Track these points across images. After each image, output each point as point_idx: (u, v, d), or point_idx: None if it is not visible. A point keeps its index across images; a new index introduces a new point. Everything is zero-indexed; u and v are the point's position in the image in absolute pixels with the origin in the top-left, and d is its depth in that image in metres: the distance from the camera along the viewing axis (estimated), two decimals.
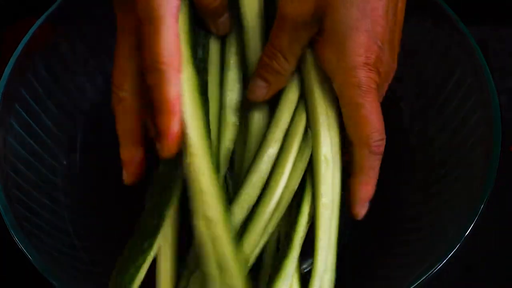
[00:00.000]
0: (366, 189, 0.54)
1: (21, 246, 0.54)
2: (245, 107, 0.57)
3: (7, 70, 0.61)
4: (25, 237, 0.55)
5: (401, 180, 0.62)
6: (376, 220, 0.56)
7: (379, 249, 0.59)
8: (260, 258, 0.54)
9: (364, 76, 0.52)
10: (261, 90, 0.55)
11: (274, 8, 0.55)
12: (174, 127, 0.51)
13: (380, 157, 0.53)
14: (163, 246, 0.54)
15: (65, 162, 0.65)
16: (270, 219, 0.54)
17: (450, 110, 0.63)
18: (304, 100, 0.56)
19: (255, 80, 0.55)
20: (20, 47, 0.62)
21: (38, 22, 0.63)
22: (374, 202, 0.54)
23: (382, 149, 0.53)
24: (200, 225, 0.50)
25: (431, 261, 0.53)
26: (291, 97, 0.56)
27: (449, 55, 0.63)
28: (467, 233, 0.53)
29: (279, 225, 0.54)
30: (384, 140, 0.53)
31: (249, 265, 0.52)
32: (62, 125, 0.66)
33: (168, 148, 0.51)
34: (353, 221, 0.55)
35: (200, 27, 0.58)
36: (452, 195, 0.59)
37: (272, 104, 0.58)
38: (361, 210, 0.54)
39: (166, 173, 0.54)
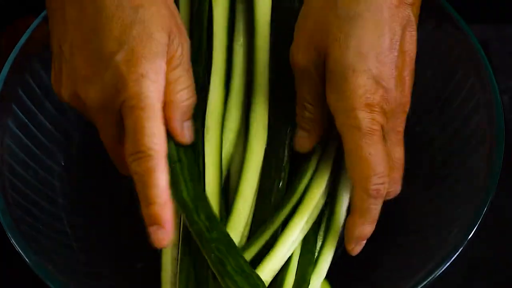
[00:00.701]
0: (360, 229, 0.53)
1: (18, 248, 0.54)
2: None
3: (5, 70, 0.61)
4: (23, 239, 0.55)
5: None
6: None
7: (377, 250, 0.59)
8: None
9: (365, 118, 0.51)
10: (304, 140, 0.56)
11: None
12: (169, 216, 0.50)
13: (380, 200, 0.52)
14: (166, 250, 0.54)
15: (63, 163, 0.65)
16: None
17: (452, 110, 0.63)
18: None
19: (297, 131, 0.56)
20: (17, 47, 0.62)
21: (36, 22, 0.63)
22: None
23: (381, 193, 0.52)
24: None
25: (431, 264, 0.53)
26: None
27: (451, 54, 0.63)
28: (469, 236, 0.53)
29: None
30: (386, 184, 0.52)
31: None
32: (60, 126, 0.65)
33: (167, 237, 0.50)
34: None
35: None
36: (454, 197, 0.59)
37: (272, 105, 0.58)
38: (355, 247, 0.54)
39: None
